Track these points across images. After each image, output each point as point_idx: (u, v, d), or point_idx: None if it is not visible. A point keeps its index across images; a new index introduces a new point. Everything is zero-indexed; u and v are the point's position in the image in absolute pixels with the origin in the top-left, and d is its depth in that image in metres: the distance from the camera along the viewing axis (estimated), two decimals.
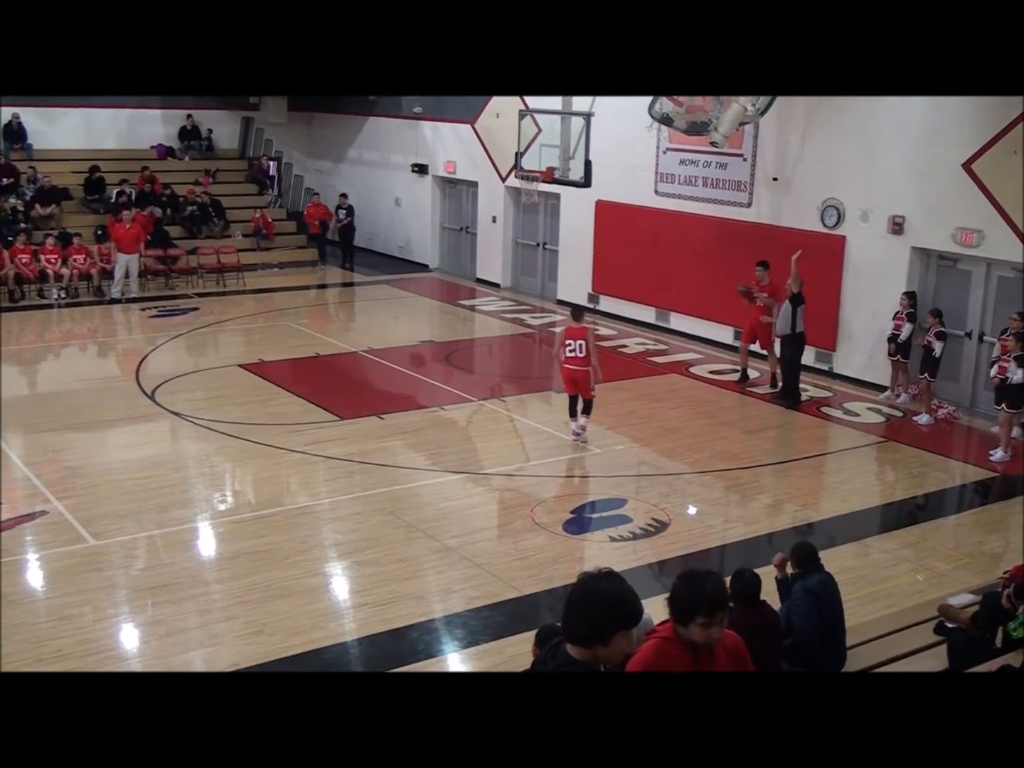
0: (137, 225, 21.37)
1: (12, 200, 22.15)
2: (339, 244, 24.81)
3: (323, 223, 24.66)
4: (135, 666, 7.85)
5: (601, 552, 9.88)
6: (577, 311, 13.10)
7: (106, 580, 9.14)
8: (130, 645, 8.25)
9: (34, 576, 9.36)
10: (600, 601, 3.65)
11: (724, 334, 17.60)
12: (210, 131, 26.55)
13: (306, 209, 25.14)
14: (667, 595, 4.38)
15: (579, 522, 10.59)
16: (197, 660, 7.94)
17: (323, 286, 23.42)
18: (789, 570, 7.02)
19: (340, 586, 9.39)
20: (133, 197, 23.20)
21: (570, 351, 12.49)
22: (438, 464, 12.06)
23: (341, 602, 9.08)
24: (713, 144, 15.71)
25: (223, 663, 7.80)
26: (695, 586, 4.29)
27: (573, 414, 12.86)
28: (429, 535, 10.05)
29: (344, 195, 25.33)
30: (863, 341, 15.54)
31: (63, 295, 20.46)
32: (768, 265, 15.35)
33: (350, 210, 24.88)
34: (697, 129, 15.89)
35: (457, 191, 24.13)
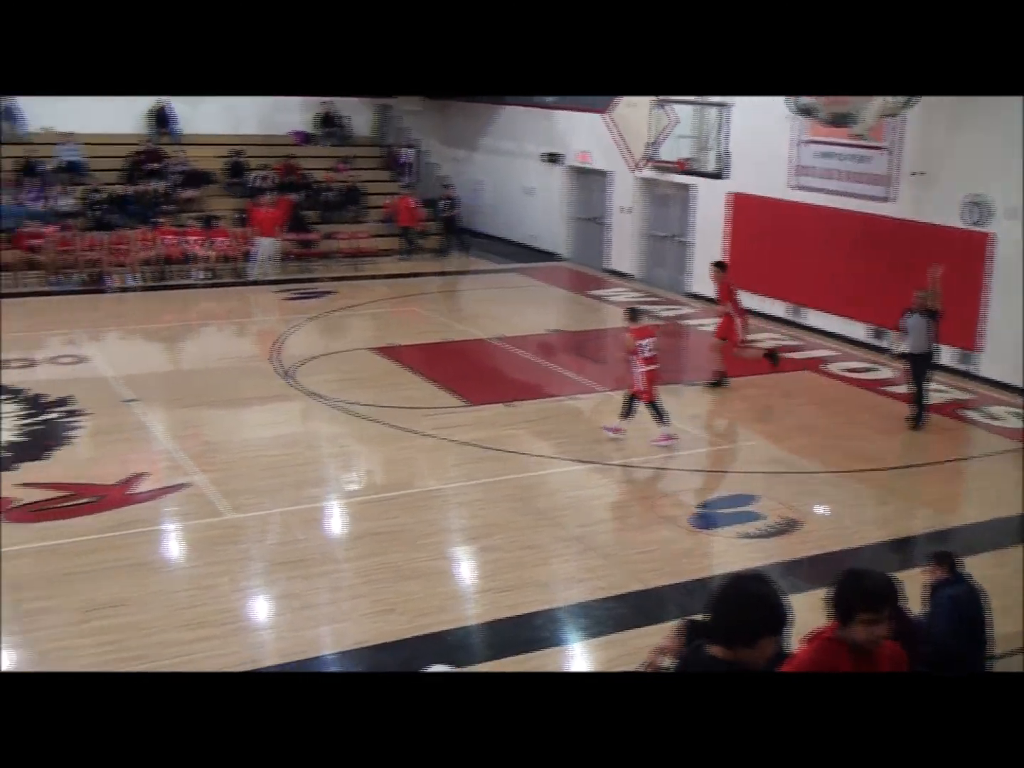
0: (276, 209, 21.91)
1: (159, 182, 22.95)
2: (447, 233, 25.00)
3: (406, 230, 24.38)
4: (267, 637, 8.07)
5: (730, 548, 9.78)
6: (635, 312, 12.70)
7: (243, 552, 9.42)
8: (264, 616, 8.50)
9: (176, 545, 9.72)
10: (753, 603, 3.61)
11: (861, 331, 17.19)
12: (346, 118, 27.03)
13: (397, 202, 25.06)
14: (828, 595, 4.33)
15: (707, 517, 10.49)
16: (327, 636, 8.11)
17: (454, 273, 23.63)
18: (933, 577, 6.82)
19: (467, 570, 9.50)
20: (273, 182, 23.80)
21: (650, 351, 12.15)
22: (566, 453, 12.07)
23: (468, 586, 9.19)
24: (856, 136, 15.34)
25: (351, 640, 7.96)
26: (855, 583, 4.24)
27: (662, 416, 12.30)
28: (556, 523, 10.09)
29: (448, 186, 25.50)
30: (1011, 343, 14.97)
31: (205, 276, 21.12)
32: (724, 266, 15.12)
33: (455, 202, 24.98)
34: (840, 121, 15.53)
35: (589, 181, 24.07)
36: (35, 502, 10.11)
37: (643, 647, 7.55)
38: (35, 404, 13.04)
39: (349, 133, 27.10)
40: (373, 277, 22.26)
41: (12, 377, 14.28)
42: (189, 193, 23.15)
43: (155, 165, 23.38)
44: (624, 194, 22.48)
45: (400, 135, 27.57)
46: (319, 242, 23.08)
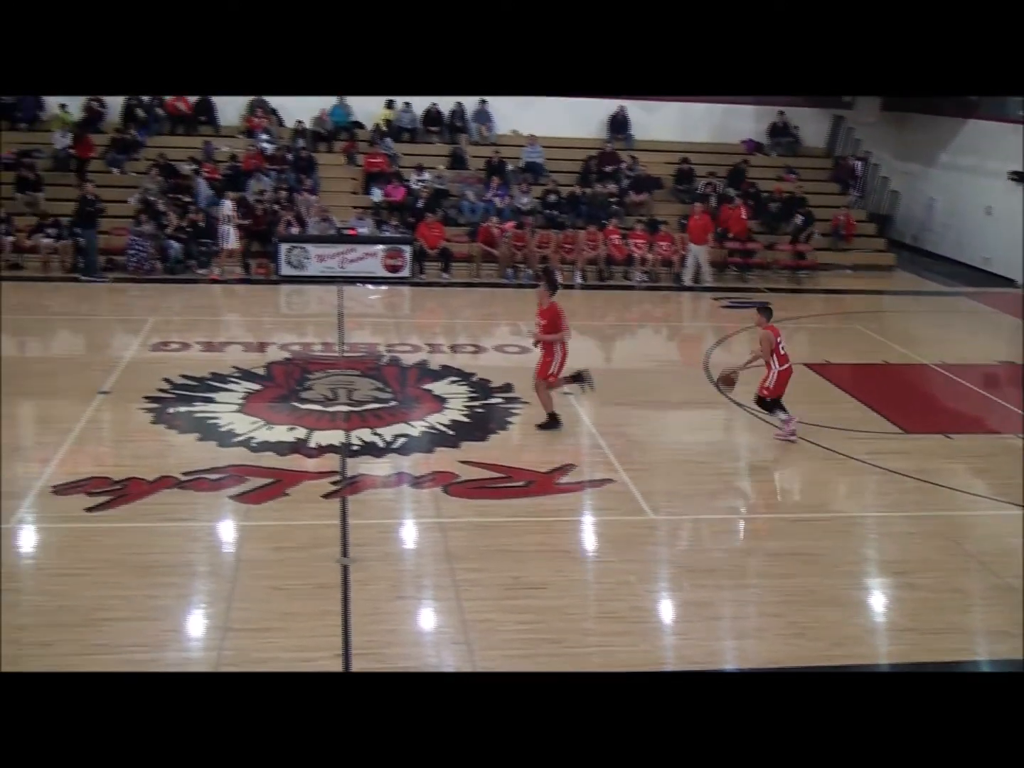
0: (705, 217, 22.00)
1: (610, 185, 23.83)
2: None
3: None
4: (676, 641, 8.17)
5: None
6: (768, 310, 12.81)
7: (657, 554, 9.62)
8: (674, 620, 8.61)
9: (596, 538, 10.08)
10: None
11: None
12: (797, 128, 26.66)
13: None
14: None
15: None
16: (733, 649, 8.09)
17: (898, 293, 22.63)
18: None
19: (887, 605, 9.07)
20: (719, 189, 23.95)
21: (784, 349, 12.38)
22: (1006, 495, 11.19)
23: (887, 622, 8.76)
24: None
25: (758, 659, 7.88)
26: None
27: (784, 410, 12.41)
28: (991, 570, 9.40)
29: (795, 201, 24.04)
30: None
31: (645, 278, 21.69)
32: (555, 285, 13.34)
33: (806, 221, 23.37)
34: None
35: None
36: (474, 480, 10.88)
37: None
38: (481, 388, 14.02)
39: (799, 143, 26.73)
40: (810, 291, 21.82)
41: (463, 361, 15.46)
42: (638, 197, 23.85)
43: (608, 168, 24.31)
44: None
45: (852, 147, 26.78)
46: (760, 252, 22.95)
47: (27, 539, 9.45)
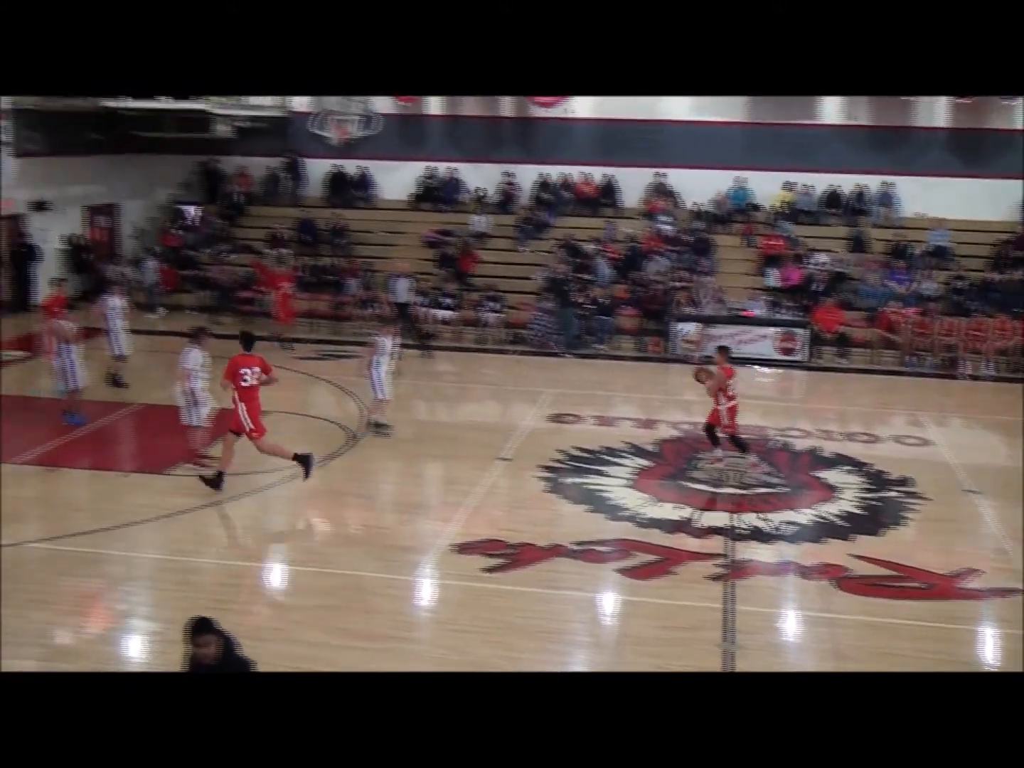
0: None
1: None
2: None
3: None
4: None
5: None
6: (727, 350, 14.07)
7: None
8: None
9: (999, 652, 9.27)
10: None
11: None
12: None
13: None
14: None
15: None
16: None
17: None
18: None
19: None
20: None
21: (733, 390, 13.52)
22: None
23: None
24: None
25: None
26: None
27: (744, 447, 13.65)
28: None
29: None
30: None
31: None
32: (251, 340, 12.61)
33: None
34: None
35: None
36: (867, 576, 10.39)
37: None
38: (877, 480, 13.43)
39: None
40: None
41: (857, 450, 14.88)
42: None
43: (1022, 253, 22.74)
44: None
45: None
46: None
47: (428, 593, 10.09)
